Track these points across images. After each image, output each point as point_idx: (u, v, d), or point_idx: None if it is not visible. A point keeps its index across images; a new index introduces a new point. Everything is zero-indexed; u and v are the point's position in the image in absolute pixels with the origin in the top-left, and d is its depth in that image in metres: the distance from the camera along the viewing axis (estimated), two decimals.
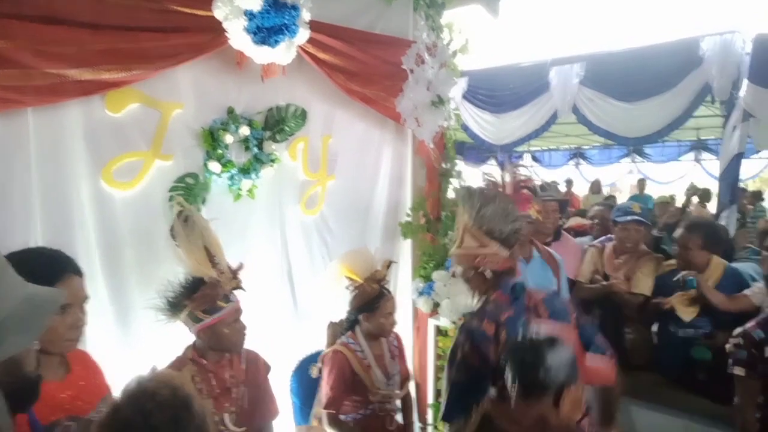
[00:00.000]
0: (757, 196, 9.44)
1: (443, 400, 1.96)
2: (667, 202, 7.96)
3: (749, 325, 2.40)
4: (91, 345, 2.20)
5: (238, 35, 2.30)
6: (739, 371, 2.36)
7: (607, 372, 1.72)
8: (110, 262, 2.33)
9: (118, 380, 1.28)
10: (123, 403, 1.12)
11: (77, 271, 1.61)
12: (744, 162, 5.24)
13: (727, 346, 2.43)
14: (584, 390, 1.61)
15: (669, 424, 2.92)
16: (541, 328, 1.63)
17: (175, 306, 2.05)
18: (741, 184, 7.50)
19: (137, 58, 2.17)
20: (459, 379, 1.89)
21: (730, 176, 4.99)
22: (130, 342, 2.39)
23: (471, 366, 1.86)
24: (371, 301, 2.55)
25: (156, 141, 2.40)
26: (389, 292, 2.65)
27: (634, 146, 10.21)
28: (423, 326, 3.39)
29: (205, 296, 2.04)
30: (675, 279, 2.98)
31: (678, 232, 3.12)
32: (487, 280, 2.02)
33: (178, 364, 2.09)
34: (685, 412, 2.92)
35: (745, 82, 4.54)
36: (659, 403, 2.96)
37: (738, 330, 2.41)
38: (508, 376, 1.58)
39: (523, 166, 3.08)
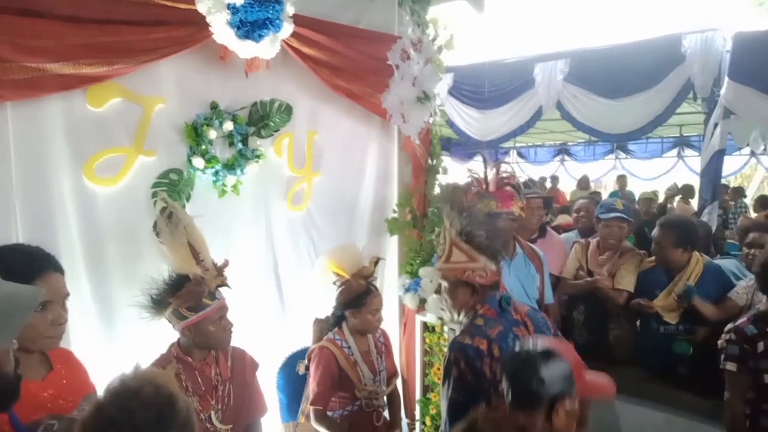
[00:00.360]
0: (739, 192, 9.60)
1: (442, 419, 1.97)
2: (651, 199, 8.06)
3: (741, 320, 2.41)
4: (75, 343, 2.18)
5: (221, 29, 2.28)
6: (731, 366, 2.36)
7: (607, 386, 1.72)
8: (93, 260, 2.30)
9: (102, 378, 1.27)
10: (106, 402, 1.10)
11: (57, 268, 1.59)
12: (726, 159, 5.31)
13: (719, 341, 2.44)
14: (584, 404, 1.62)
15: (651, 418, 2.95)
16: (539, 341, 1.64)
17: (159, 303, 2.03)
18: (723, 181, 7.61)
19: (119, 53, 2.15)
20: (456, 397, 1.89)
21: (711, 173, 5.04)
22: (114, 340, 2.37)
23: (467, 383, 1.86)
24: (357, 297, 2.55)
25: (138, 136, 2.37)
26: (376, 288, 2.65)
27: (618, 143, 10.29)
28: (410, 322, 3.39)
29: (189, 293, 2.02)
30: (680, 295, 2.98)
31: (654, 232, 3.16)
32: (474, 294, 2.02)
33: (162, 362, 2.07)
34: (667, 406, 2.95)
35: (725, 80, 4.60)
36: (642, 397, 2.99)
37: (730, 326, 2.42)
38: (504, 386, 1.60)
39: (507, 162, 3.09)
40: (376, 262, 2.67)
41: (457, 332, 2.07)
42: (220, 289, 2.16)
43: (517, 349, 1.68)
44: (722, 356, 2.41)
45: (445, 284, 2.10)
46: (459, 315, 2.09)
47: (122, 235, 2.37)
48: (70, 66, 2.02)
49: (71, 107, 2.19)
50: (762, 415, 2.36)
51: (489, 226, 2.10)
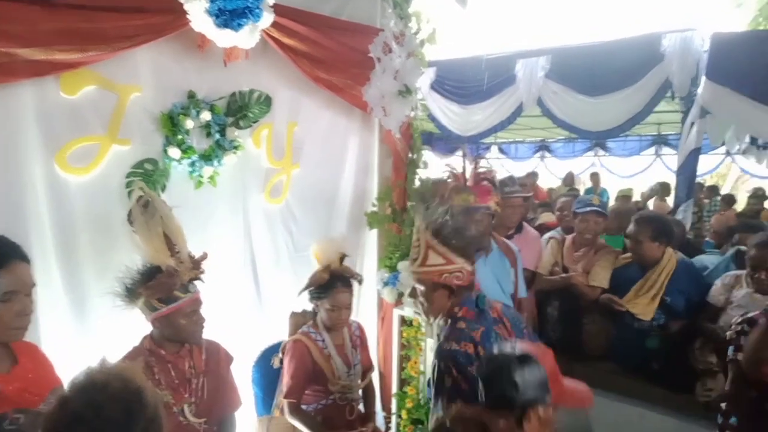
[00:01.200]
0: (714, 191, 9.77)
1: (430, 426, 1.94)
2: (628, 196, 8.19)
3: (754, 313, 2.37)
4: (45, 335, 2.15)
5: (199, 17, 2.24)
6: (741, 357, 2.28)
7: (584, 394, 1.72)
8: (65, 250, 2.26)
9: (73, 372, 1.24)
10: (72, 396, 1.08)
11: (23, 257, 1.55)
12: (701, 157, 5.39)
13: (729, 332, 2.41)
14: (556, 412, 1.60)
15: (625, 412, 3.00)
16: (517, 345, 1.63)
17: (131, 293, 2.00)
18: (698, 179, 7.74)
19: (93, 39, 2.10)
20: None
21: (687, 171, 5.11)
22: (86, 332, 2.33)
23: (463, 391, 1.82)
24: (317, 289, 2.53)
25: (113, 125, 2.33)
26: (346, 286, 2.57)
27: (597, 140, 10.39)
28: (388, 316, 3.40)
29: (160, 285, 1.99)
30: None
31: (630, 227, 3.20)
32: (451, 296, 1.99)
33: (134, 354, 2.05)
34: (640, 401, 3.00)
35: (703, 79, 4.66)
36: (615, 391, 3.04)
37: (740, 318, 2.39)
38: (480, 388, 1.59)
39: (486, 158, 3.10)
40: (342, 258, 2.62)
41: (431, 334, 2.05)
42: (195, 282, 2.14)
43: (495, 351, 1.67)
44: (731, 347, 2.35)
45: (420, 288, 2.05)
46: (436, 318, 2.06)
47: (95, 226, 2.33)
48: (42, 52, 1.97)
49: (44, 94, 2.14)
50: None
51: (465, 224, 2.07)
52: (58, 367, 1.77)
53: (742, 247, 3.20)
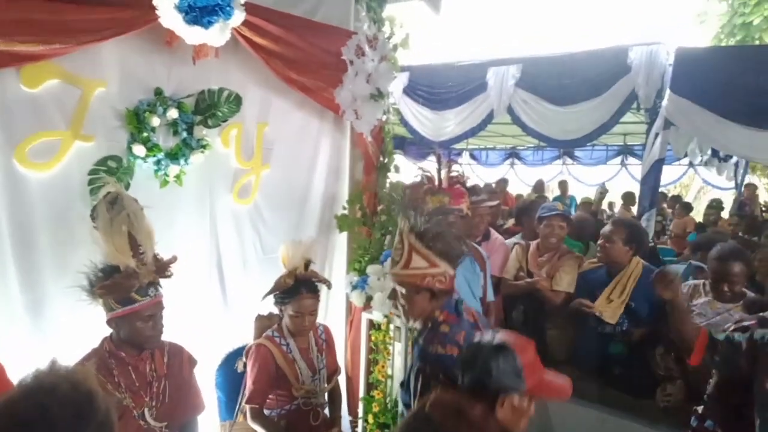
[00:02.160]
0: (677, 200, 10.05)
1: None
2: (590, 203, 8.38)
3: (750, 321, 2.35)
4: None
5: (168, 13, 2.20)
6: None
7: (563, 387, 1.73)
8: (22, 249, 2.19)
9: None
10: (18, 398, 1.03)
11: None
12: (665, 168, 5.54)
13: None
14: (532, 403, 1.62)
15: (585, 416, 3.04)
16: (498, 335, 1.64)
17: (88, 290, 1.95)
18: (662, 189, 7.95)
19: (57, 31, 2.04)
20: None
21: (651, 181, 5.25)
22: (43, 334, 2.26)
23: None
24: (282, 294, 2.49)
25: (76, 120, 2.26)
26: (311, 292, 2.51)
27: (565, 148, 10.59)
28: (356, 320, 3.38)
29: (115, 285, 1.94)
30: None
31: (604, 228, 3.25)
32: (432, 299, 1.98)
33: (91, 356, 1.99)
34: (600, 405, 3.05)
35: (667, 92, 4.80)
36: (576, 395, 3.07)
37: (732, 326, 2.40)
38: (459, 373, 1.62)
39: (458, 163, 3.13)
40: (307, 264, 2.57)
41: (399, 338, 2.03)
42: (159, 285, 2.09)
43: (476, 339, 1.69)
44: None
45: (402, 290, 2.02)
46: (416, 321, 2.05)
47: (55, 224, 2.26)
48: (1, 42, 1.90)
49: (3, 86, 2.07)
50: None
51: (446, 226, 2.05)
52: (11, 371, 1.70)
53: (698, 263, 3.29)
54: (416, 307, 2.00)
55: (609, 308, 3.13)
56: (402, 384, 2.17)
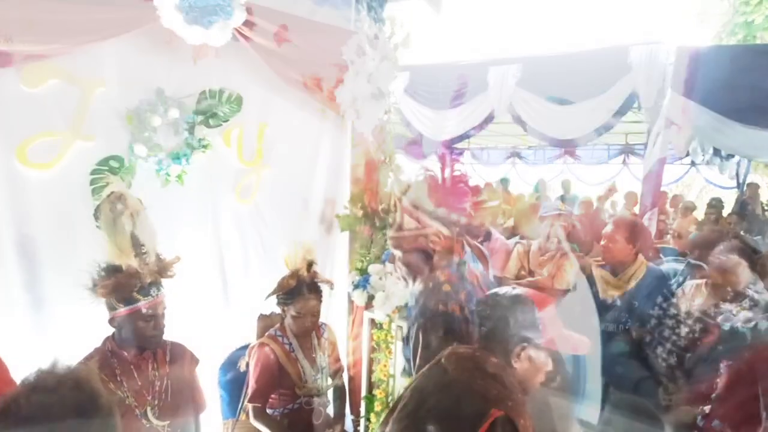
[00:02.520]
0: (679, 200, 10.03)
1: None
2: (591, 203, 8.37)
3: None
4: (1, 336, 2.07)
5: (168, 13, 2.21)
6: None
7: (580, 341, 1.70)
8: (24, 248, 2.20)
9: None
10: (21, 397, 1.03)
11: None
12: (667, 167, 5.53)
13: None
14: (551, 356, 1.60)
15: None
16: (515, 289, 1.64)
17: (91, 289, 1.95)
18: (664, 189, 7.93)
19: (57, 31, 2.05)
20: None
21: (652, 180, 5.24)
22: (45, 333, 2.26)
23: None
24: (284, 294, 2.49)
25: (76, 120, 2.27)
26: (313, 293, 2.51)
27: (566, 148, 10.57)
28: (358, 319, 3.38)
29: (117, 285, 1.94)
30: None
31: (606, 228, 3.25)
32: (428, 260, 2.01)
33: (94, 355, 1.99)
34: (603, 404, 3.04)
35: (668, 91, 4.79)
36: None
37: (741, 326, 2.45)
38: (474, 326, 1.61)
39: (461, 162, 3.12)
40: (310, 265, 2.57)
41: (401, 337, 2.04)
42: (161, 285, 2.09)
43: (492, 291, 1.69)
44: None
45: (398, 253, 2.08)
46: (415, 283, 2.07)
47: (57, 223, 2.27)
48: (1, 42, 1.91)
49: (3, 86, 2.07)
50: None
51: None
52: (14, 370, 1.70)
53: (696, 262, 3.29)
54: (413, 268, 2.05)
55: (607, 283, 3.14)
56: (404, 339, 2.19)
